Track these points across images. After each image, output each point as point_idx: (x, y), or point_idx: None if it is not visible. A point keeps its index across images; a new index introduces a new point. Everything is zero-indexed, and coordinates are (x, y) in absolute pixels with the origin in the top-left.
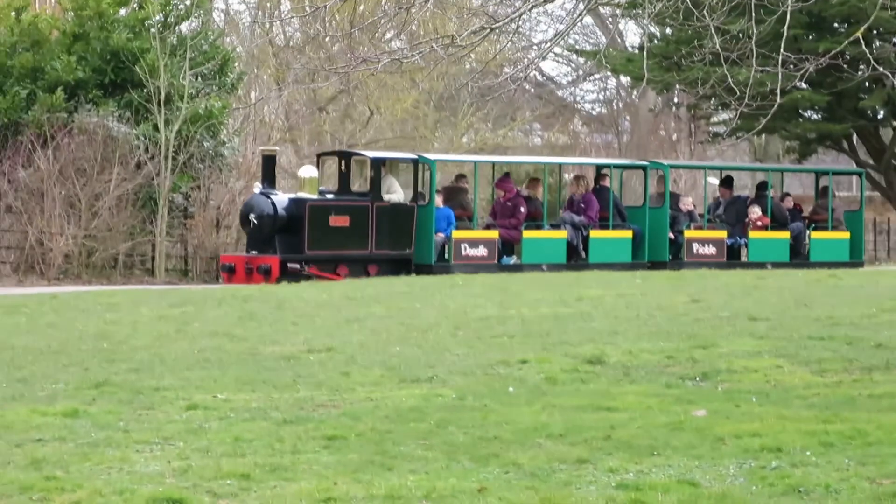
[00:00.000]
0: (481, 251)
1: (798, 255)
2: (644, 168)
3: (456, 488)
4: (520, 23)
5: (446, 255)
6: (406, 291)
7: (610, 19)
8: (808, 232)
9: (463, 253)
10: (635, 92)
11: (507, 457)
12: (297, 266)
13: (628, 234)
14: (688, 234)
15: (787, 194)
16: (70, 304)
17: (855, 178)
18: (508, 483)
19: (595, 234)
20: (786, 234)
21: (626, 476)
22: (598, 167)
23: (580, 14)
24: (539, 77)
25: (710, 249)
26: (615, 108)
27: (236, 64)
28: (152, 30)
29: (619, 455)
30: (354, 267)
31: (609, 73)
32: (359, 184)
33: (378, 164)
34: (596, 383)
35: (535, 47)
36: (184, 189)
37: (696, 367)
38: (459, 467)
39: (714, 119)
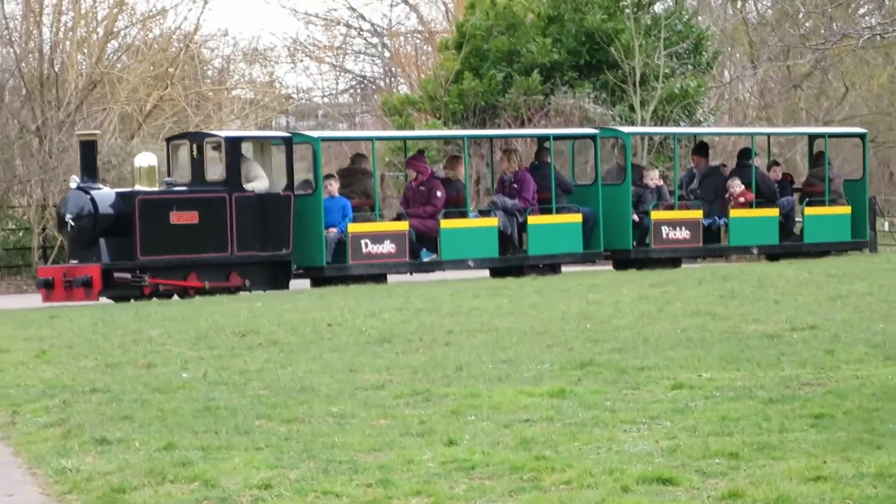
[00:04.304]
0: (388, 247)
1: (789, 236)
2: (593, 137)
3: None
4: None
5: (344, 255)
6: (891, 268)
7: None
8: (801, 208)
9: (364, 250)
10: None
11: None
12: (128, 276)
13: (577, 218)
14: (655, 215)
15: (776, 163)
16: (551, 285)
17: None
18: None
19: (534, 219)
20: (774, 212)
21: None
22: (540, 139)
23: None
24: None
25: (682, 233)
26: None
27: (710, 43)
28: (626, 10)
29: None
30: (211, 273)
31: None
32: (218, 172)
33: (234, 144)
34: None
35: None
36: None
37: None
38: None
39: None
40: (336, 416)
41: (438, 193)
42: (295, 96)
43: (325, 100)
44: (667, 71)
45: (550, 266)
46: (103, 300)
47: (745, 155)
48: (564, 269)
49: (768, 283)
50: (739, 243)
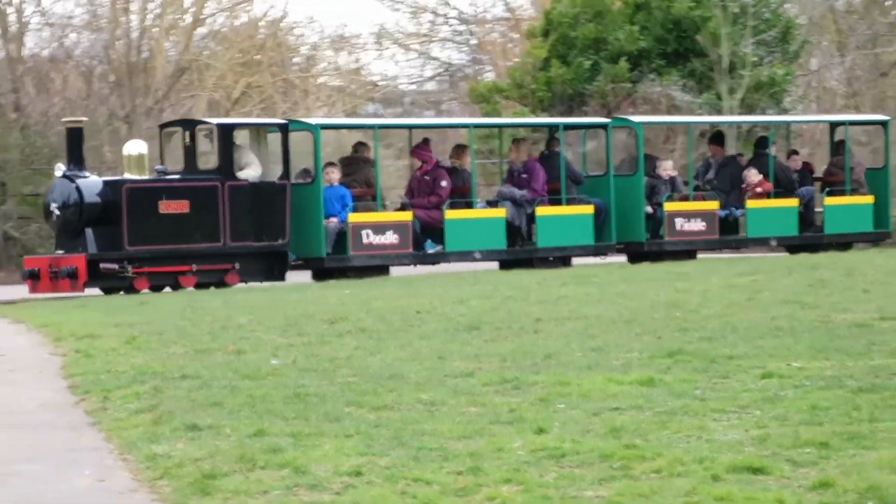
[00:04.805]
0: (390, 238)
1: (810, 227)
2: (605, 126)
3: None
4: None
5: (344, 246)
6: None
7: None
8: (821, 197)
9: (365, 241)
10: None
11: None
12: (114, 266)
13: (588, 209)
14: (668, 206)
15: (795, 152)
16: (639, 273)
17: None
18: None
19: (543, 210)
20: (793, 202)
21: None
22: (550, 128)
23: None
24: None
25: (697, 225)
26: None
27: (798, 31)
28: None
29: None
30: (204, 265)
31: None
32: (211, 160)
33: (227, 132)
34: None
35: None
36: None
37: None
38: None
39: None
40: (426, 404)
41: (444, 183)
42: (381, 84)
43: (412, 87)
44: (754, 59)
45: (561, 259)
46: (93, 291)
47: (762, 144)
48: (576, 261)
49: (857, 272)
50: (757, 235)
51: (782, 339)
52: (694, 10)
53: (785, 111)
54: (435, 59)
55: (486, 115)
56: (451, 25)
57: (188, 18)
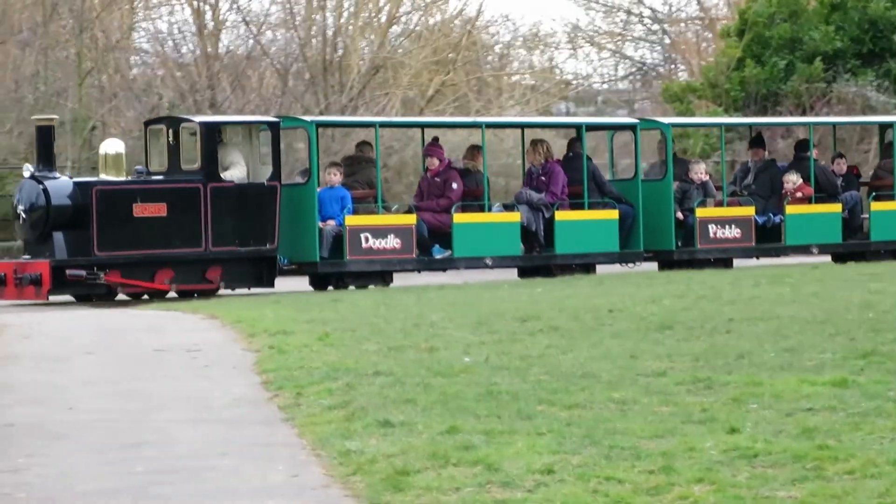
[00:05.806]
0: (392, 242)
1: (856, 234)
2: (633, 128)
3: None
4: None
5: (342, 250)
6: None
7: None
8: (868, 203)
9: (364, 245)
10: None
11: None
12: (81, 273)
13: (613, 214)
14: (700, 212)
15: (840, 155)
16: (832, 274)
17: None
18: None
19: (562, 215)
20: (836, 207)
21: None
22: (577, 128)
23: None
24: None
25: (732, 231)
26: None
27: None
28: None
29: None
30: (184, 271)
31: None
32: (194, 160)
33: (210, 130)
34: None
35: None
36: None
37: None
38: None
39: None
40: (618, 403)
41: (454, 185)
42: (574, 83)
43: (605, 86)
44: None
45: (584, 266)
46: (65, 298)
47: (802, 147)
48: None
49: None
50: (797, 242)
51: None
52: (890, 10)
53: None
54: (628, 58)
55: (680, 114)
56: (644, 24)
57: (383, 17)
